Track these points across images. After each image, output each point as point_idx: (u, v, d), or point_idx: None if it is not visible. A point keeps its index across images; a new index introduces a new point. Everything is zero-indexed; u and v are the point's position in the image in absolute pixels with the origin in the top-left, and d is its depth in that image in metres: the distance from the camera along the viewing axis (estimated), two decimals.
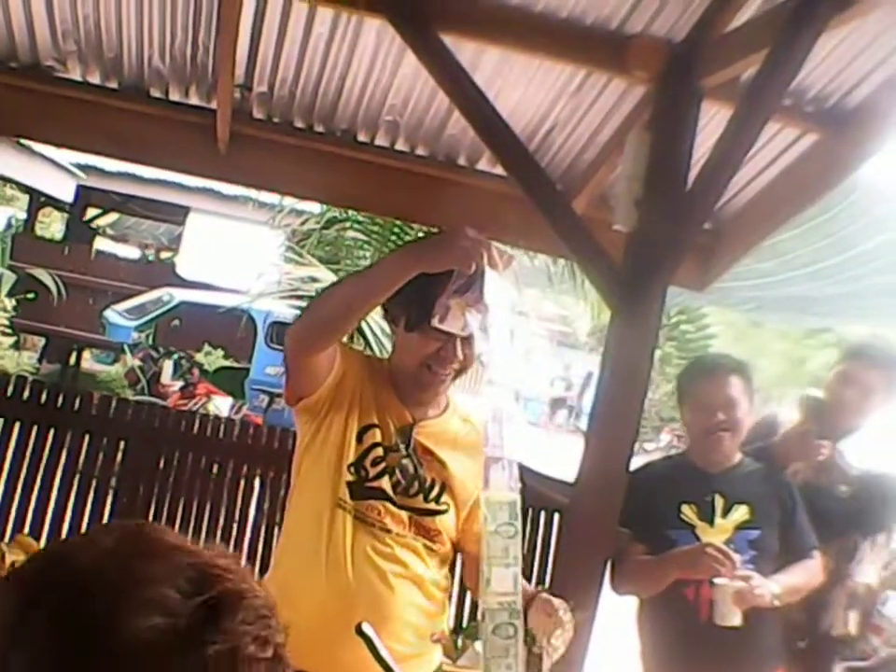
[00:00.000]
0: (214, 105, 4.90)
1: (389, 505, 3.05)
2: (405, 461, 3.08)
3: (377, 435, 3.08)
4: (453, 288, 2.81)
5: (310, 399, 3.07)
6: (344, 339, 3.26)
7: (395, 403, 3.14)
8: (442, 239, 2.82)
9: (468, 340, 3.01)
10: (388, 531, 3.04)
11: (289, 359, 3.06)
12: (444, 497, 3.12)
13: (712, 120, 4.30)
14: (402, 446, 3.09)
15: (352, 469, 3.04)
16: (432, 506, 3.10)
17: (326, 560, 3.01)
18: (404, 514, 3.07)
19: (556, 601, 2.69)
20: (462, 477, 3.14)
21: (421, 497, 3.09)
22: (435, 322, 2.87)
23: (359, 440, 3.06)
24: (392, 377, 3.17)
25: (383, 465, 3.06)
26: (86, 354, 19.27)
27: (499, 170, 4.80)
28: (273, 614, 1.22)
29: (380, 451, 3.07)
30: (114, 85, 5.03)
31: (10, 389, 6.96)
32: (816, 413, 4.53)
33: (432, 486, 3.10)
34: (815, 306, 6.96)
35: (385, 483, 3.06)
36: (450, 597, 6.21)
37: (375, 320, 7.64)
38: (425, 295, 2.97)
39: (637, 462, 4.30)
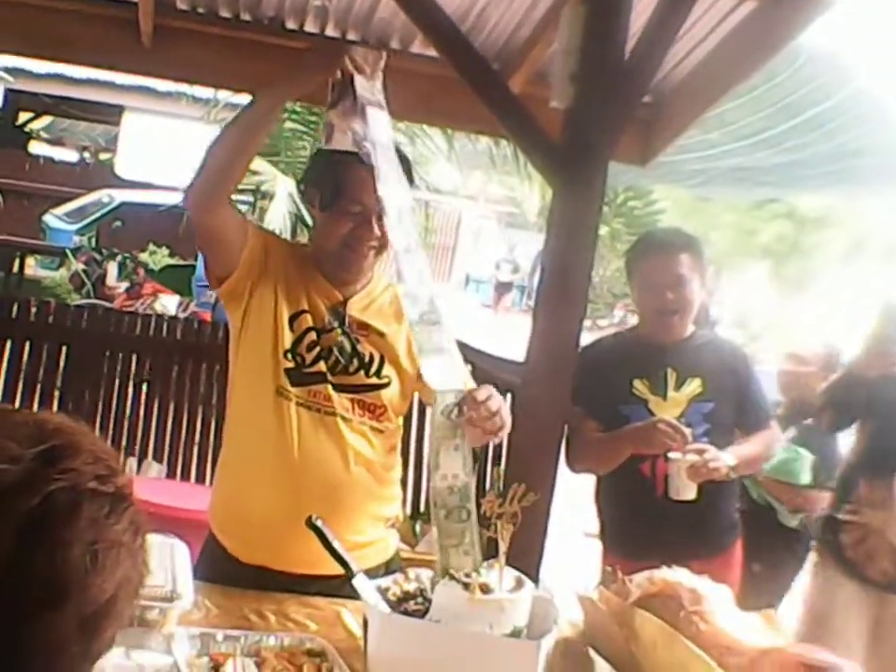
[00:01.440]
0: None
1: (331, 389, 3.01)
2: (341, 339, 3.05)
3: (308, 320, 3.03)
4: (329, 102, 2.87)
5: (231, 279, 3.02)
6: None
7: (323, 284, 3.10)
8: (304, 56, 2.81)
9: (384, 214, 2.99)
10: (334, 415, 3.01)
11: (195, 228, 3.01)
12: (385, 370, 3.08)
13: None
14: (336, 325, 3.05)
15: (288, 356, 3.00)
16: (374, 380, 3.07)
17: (273, 450, 2.99)
18: (346, 397, 3.03)
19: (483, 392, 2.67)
20: (400, 341, 3.12)
21: (362, 372, 3.06)
22: (322, 143, 2.87)
23: (291, 327, 3.02)
24: (316, 259, 3.13)
25: (318, 349, 3.03)
26: (29, 260, 19.00)
27: (433, 52, 4.70)
28: (113, 460, 1.26)
29: (313, 335, 3.03)
30: None
31: None
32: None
33: (371, 360, 3.07)
34: (762, 176, 6.94)
35: (323, 367, 3.02)
36: (406, 482, 6.30)
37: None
38: (335, 173, 3.00)
39: (589, 339, 4.28)
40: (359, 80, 2.74)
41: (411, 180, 2.99)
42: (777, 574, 5.20)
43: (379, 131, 2.79)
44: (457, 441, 2.58)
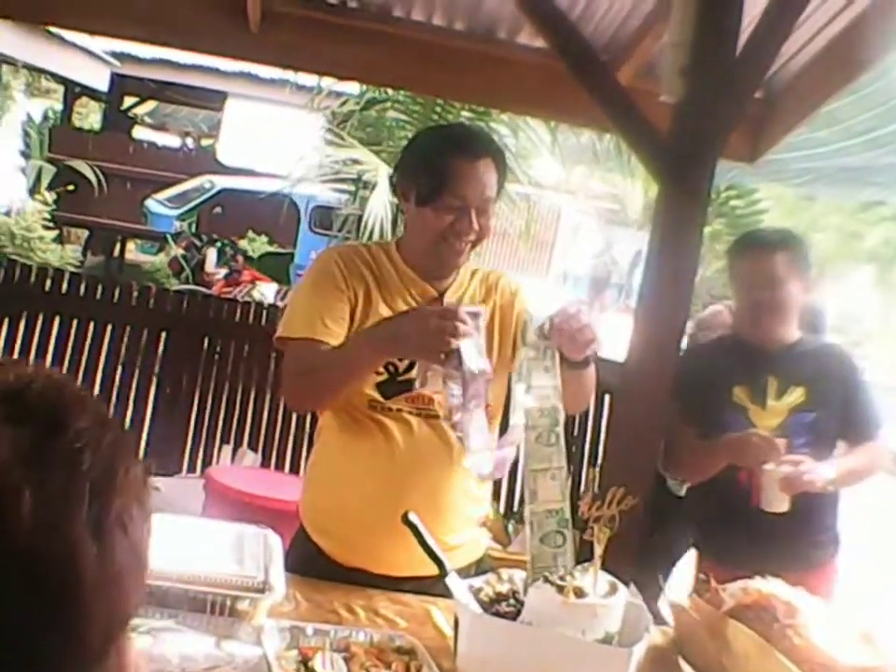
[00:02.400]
0: None
1: (424, 391, 2.97)
2: None
3: None
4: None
5: None
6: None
7: (415, 282, 3.06)
8: (407, 333, 2.66)
9: (482, 207, 2.95)
10: (437, 416, 2.96)
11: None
12: None
13: None
14: None
15: (380, 369, 2.95)
16: None
17: (374, 454, 2.95)
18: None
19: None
20: (496, 330, 3.07)
21: None
22: (416, 386, 2.83)
23: None
24: (406, 257, 3.08)
25: None
26: (130, 245, 19.34)
27: (540, 42, 4.64)
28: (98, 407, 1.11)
29: None
30: None
31: (49, 283, 6.94)
32: None
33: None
34: (871, 176, 6.78)
35: (415, 373, 2.97)
36: (500, 482, 6.25)
37: None
38: (434, 166, 2.93)
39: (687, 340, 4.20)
40: (466, 346, 2.64)
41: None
42: (668, 542, 5.09)
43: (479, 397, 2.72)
44: (548, 362, 2.60)
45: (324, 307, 2.93)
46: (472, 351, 2.61)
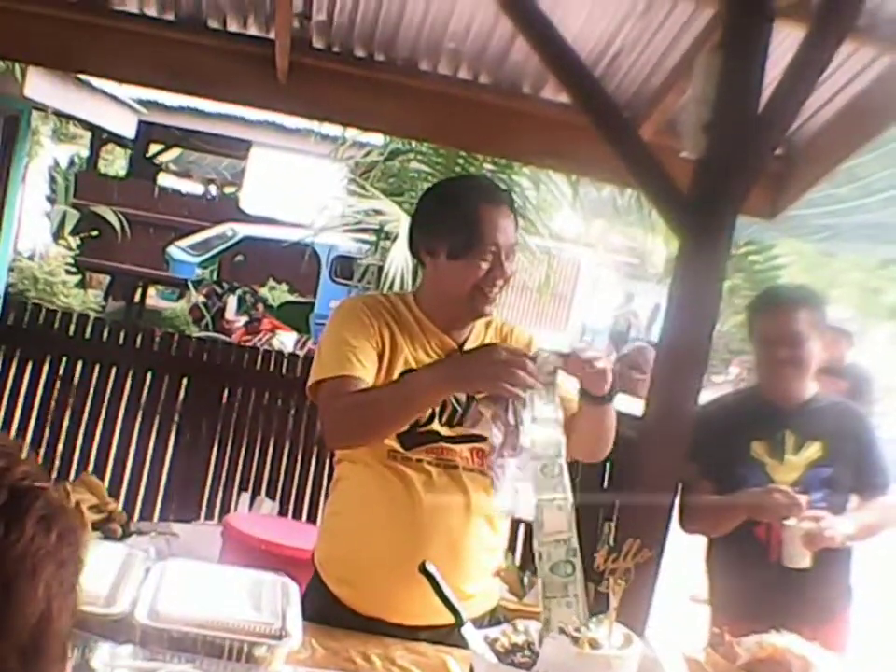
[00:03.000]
0: (273, 36, 4.82)
1: (448, 442, 2.98)
2: None
3: None
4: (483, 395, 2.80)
5: None
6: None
7: (434, 334, 3.08)
8: (476, 362, 2.70)
9: (509, 253, 2.99)
10: (456, 467, 2.98)
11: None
12: None
13: (784, 42, 4.14)
14: None
15: None
16: None
17: (393, 504, 2.96)
18: (465, 447, 3.00)
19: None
20: None
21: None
22: (467, 426, 2.83)
23: None
24: (426, 309, 3.10)
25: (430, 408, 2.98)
26: (151, 290, 19.42)
27: (564, 97, 4.68)
28: (2, 453, 1.07)
29: None
30: (171, 17, 4.97)
31: (73, 328, 6.99)
32: None
33: None
34: (890, 234, 6.80)
35: (436, 425, 2.99)
36: (516, 534, 6.24)
37: None
38: (467, 219, 2.95)
39: (706, 396, 4.21)
40: (535, 398, 2.68)
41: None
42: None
43: (514, 448, 2.74)
44: (550, 395, 2.66)
45: (355, 347, 2.94)
46: (534, 400, 2.64)
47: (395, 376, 2.98)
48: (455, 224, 2.96)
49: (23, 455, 1.08)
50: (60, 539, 1.05)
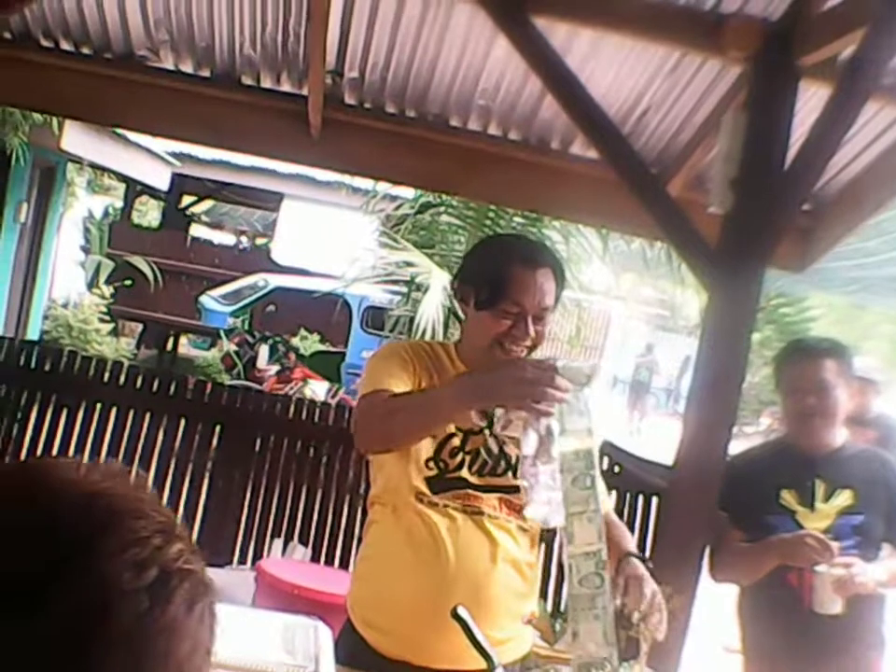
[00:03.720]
0: (305, 92, 4.93)
1: (472, 491, 3.03)
2: (490, 441, 3.06)
3: (451, 426, 3.02)
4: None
5: None
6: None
7: None
8: (500, 377, 2.70)
9: (539, 315, 3.00)
10: (481, 514, 3.02)
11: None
12: None
13: (810, 100, 4.22)
14: (485, 426, 3.05)
15: (430, 464, 3.01)
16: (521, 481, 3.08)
17: (420, 548, 2.99)
18: (494, 497, 3.04)
19: (646, 575, 2.66)
20: None
21: (510, 474, 3.05)
22: (497, 429, 2.80)
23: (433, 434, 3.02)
24: (464, 358, 3.14)
25: (461, 454, 3.03)
26: (182, 339, 19.54)
27: (593, 153, 4.76)
28: (161, 529, 1.04)
29: (456, 441, 3.03)
30: (206, 73, 5.09)
31: (107, 375, 7.08)
32: None
33: (518, 462, 3.07)
34: None
35: (465, 472, 3.02)
36: (548, 579, 6.26)
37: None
38: (495, 273, 2.99)
39: (737, 446, 4.25)
40: (565, 410, 2.71)
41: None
42: None
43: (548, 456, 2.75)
44: (582, 406, 2.68)
45: (392, 374, 2.99)
46: (563, 412, 2.67)
47: None
48: (486, 275, 3.02)
49: (180, 532, 1.07)
50: (199, 622, 1.06)
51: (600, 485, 2.70)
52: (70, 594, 0.95)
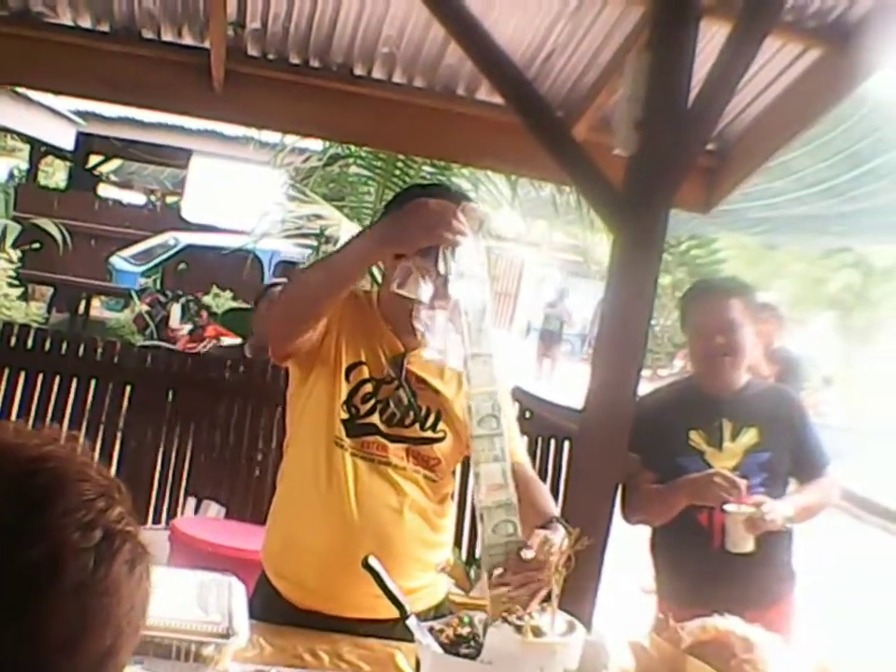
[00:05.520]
0: (207, 45, 4.83)
1: (382, 439, 3.02)
2: (399, 392, 3.04)
3: (364, 372, 3.03)
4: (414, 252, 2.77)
5: (298, 357, 3.04)
6: None
7: (385, 334, 3.09)
8: (405, 217, 2.72)
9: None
10: (389, 464, 3.01)
11: (273, 349, 3.05)
12: (441, 425, 3.07)
13: (712, 40, 4.22)
14: (395, 377, 3.05)
15: (344, 407, 3.01)
16: (429, 434, 3.06)
17: (327, 497, 2.98)
18: (401, 446, 3.04)
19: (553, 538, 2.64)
20: (457, 403, 3.07)
21: (417, 426, 3.05)
22: (394, 287, 2.78)
23: (347, 378, 3.01)
24: (382, 308, 3.13)
25: (373, 401, 3.03)
26: (94, 301, 19.29)
27: (499, 99, 4.73)
28: (103, 492, 1.15)
29: (369, 387, 3.03)
30: (105, 28, 4.96)
31: (13, 339, 6.96)
32: None
33: (427, 414, 3.06)
34: (830, 225, 6.89)
35: (376, 419, 3.02)
36: (462, 528, 6.28)
37: None
38: None
39: (648, 388, 4.27)
40: (462, 245, 2.70)
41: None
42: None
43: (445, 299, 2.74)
44: (496, 452, 2.64)
45: None
46: (457, 254, 2.68)
47: (343, 364, 3.02)
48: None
49: (120, 495, 1.17)
50: (138, 583, 1.14)
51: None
52: (25, 551, 1.03)
